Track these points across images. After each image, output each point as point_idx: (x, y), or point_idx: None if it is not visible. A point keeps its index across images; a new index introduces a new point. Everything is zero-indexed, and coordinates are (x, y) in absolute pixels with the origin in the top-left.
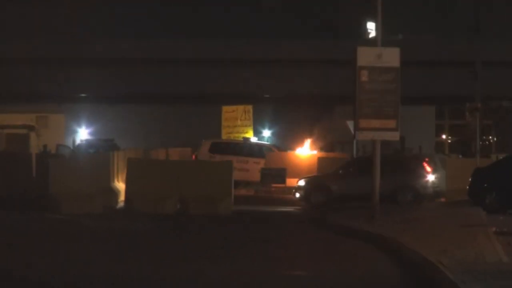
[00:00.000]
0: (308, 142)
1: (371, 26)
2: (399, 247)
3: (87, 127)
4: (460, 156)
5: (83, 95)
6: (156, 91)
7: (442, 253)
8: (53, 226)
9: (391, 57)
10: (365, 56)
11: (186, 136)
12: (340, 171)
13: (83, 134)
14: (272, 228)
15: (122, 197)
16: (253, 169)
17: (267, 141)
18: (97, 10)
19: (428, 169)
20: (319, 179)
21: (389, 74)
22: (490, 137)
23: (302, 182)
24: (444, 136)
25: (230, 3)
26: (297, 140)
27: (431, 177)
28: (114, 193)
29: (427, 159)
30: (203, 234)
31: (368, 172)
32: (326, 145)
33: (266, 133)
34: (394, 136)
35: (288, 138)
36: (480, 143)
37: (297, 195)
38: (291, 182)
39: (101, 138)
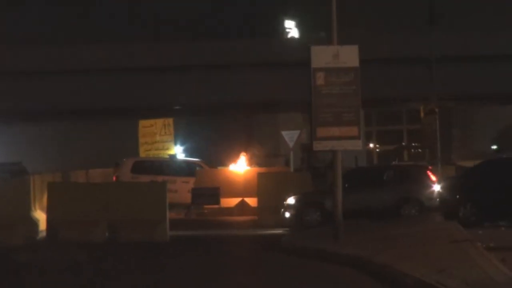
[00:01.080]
0: (242, 157)
1: (289, 25)
2: (384, 268)
3: None
4: None
5: None
6: (58, 106)
7: (439, 274)
8: None
9: (349, 56)
10: (320, 56)
11: (99, 155)
12: None
13: None
14: (226, 253)
15: (42, 226)
16: (182, 189)
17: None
18: None
19: (433, 178)
20: (311, 195)
21: (348, 76)
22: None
23: (292, 200)
24: (371, 145)
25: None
26: (218, 155)
27: (436, 187)
28: (34, 222)
29: (430, 168)
30: (148, 264)
31: (365, 186)
32: (258, 159)
33: (178, 149)
34: (356, 145)
35: (205, 153)
36: (416, 150)
37: (287, 214)
38: (226, 202)
39: (6, 161)
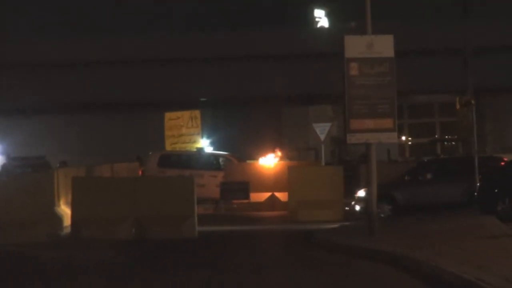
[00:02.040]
0: (273, 151)
1: (319, 14)
2: (421, 264)
3: None
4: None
5: None
6: (81, 99)
7: (478, 270)
8: None
9: (384, 46)
10: (354, 46)
11: (124, 149)
12: (406, 177)
13: None
14: (256, 250)
15: (66, 222)
16: (210, 183)
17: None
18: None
19: None
20: (382, 187)
21: (383, 66)
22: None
23: (362, 193)
24: (404, 138)
25: None
26: (246, 148)
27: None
28: (58, 218)
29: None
30: (178, 262)
31: (439, 178)
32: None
33: (205, 142)
34: (392, 137)
35: (234, 147)
36: (450, 143)
37: (357, 207)
38: (256, 197)
39: (29, 155)
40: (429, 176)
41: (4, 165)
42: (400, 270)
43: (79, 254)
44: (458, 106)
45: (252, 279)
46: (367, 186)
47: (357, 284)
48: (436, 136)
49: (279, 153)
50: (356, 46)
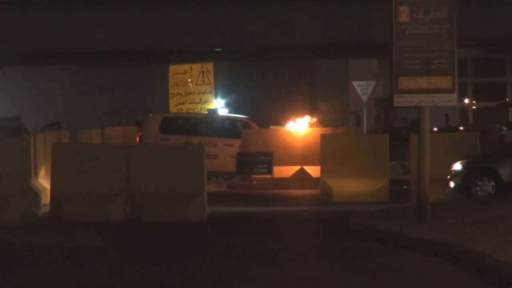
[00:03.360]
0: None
1: None
2: (481, 258)
3: None
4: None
5: None
6: (65, 47)
7: None
8: None
9: None
10: None
11: (118, 110)
12: None
13: None
14: (280, 237)
15: (45, 200)
16: (224, 154)
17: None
18: None
19: None
20: (483, 160)
21: (440, 11)
22: None
23: (458, 166)
24: (466, 101)
25: None
26: (270, 110)
27: None
28: (35, 194)
29: None
30: (184, 250)
31: None
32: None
33: (219, 102)
34: (450, 99)
35: (254, 109)
36: None
37: (452, 184)
38: (280, 171)
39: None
40: None
41: None
42: (454, 264)
43: (56, 239)
44: None
45: (272, 275)
46: (465, 158)
47: (402, 282)
48: (507, 99)
49: (314, 119)
50: None
